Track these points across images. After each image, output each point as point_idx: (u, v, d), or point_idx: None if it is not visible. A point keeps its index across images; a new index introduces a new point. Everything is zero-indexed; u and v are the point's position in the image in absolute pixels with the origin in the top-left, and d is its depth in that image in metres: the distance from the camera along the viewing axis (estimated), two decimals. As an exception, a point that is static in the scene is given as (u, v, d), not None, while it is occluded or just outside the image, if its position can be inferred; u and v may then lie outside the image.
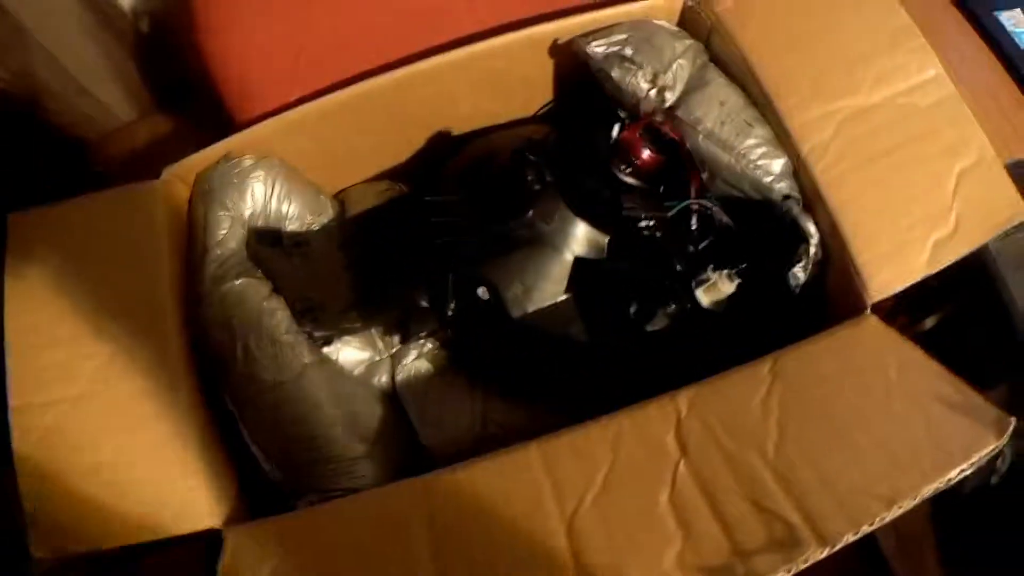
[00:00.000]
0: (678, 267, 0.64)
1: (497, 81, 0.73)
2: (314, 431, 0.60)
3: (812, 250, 0.62)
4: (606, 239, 0.65)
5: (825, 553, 0.47)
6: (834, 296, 0.64)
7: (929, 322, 0.80)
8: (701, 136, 0.64)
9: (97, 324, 0.59)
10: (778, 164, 0.64)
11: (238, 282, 0.65)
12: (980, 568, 0.77)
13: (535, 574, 0.48)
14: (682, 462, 0.52)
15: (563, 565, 0.48)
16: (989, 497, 0.74)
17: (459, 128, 0.76)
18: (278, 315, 0.64)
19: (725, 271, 0.63)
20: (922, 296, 0.72)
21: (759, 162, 0.64)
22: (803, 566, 0.46)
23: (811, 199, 0.64)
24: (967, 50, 0.85)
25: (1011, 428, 0.50)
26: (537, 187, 0.63)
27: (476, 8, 0.75)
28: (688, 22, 0.72)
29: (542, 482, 0.52)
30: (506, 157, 0.66)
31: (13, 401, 0.56)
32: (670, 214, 0.64)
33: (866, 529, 0.47)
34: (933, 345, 0.57)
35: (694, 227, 0.66)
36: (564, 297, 0.64)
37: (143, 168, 0.69)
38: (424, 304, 0.64)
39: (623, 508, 0.50)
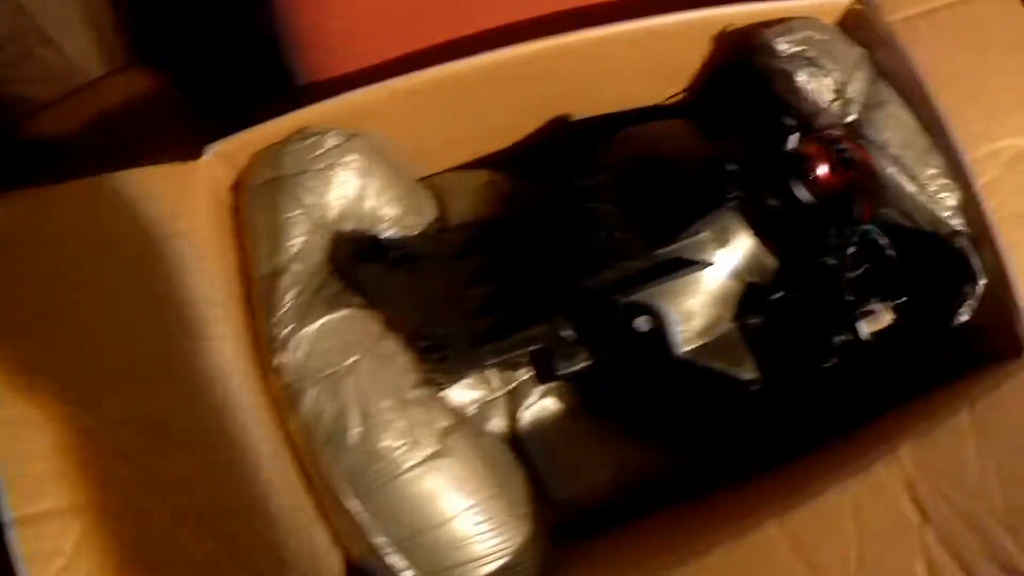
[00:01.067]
0: (849, 298, 0.60)
1: (655, 64, 0.63)
2: (470, 520, 0.49)
3: (979, 290, 0.61)
4: (775, 262, 0.60)
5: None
6: (985, 334, 0.64)
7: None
8: (887, 160, 0.60)
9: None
10: (955, 198, 0.61)
11: (335, 315, 0.51)
12: None
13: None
14: (927, 529, 0.49)
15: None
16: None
17: (590, 112, 0.65)
18: (399, 361, 0.51)
19: (887, 302, 0.60)
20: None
21: (939, 195, 0.61)
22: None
23: (980, 237, 0.62)
24: None
25: None
26: (732, 203, 0.55)
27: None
28: (850, 27, 0.67)
29: (794, 566, 0.46)
30: (687, 161, 0.57)
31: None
32: (853, 240, 0.60)
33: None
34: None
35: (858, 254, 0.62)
36: (730, 327, 0.58)
37: (116, 141, 0.52)
38: (570, 334, 0.55)
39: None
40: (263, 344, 0.50)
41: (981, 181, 0.62)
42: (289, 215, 0.52)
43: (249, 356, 0.49)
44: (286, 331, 0.49)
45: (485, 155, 0.68)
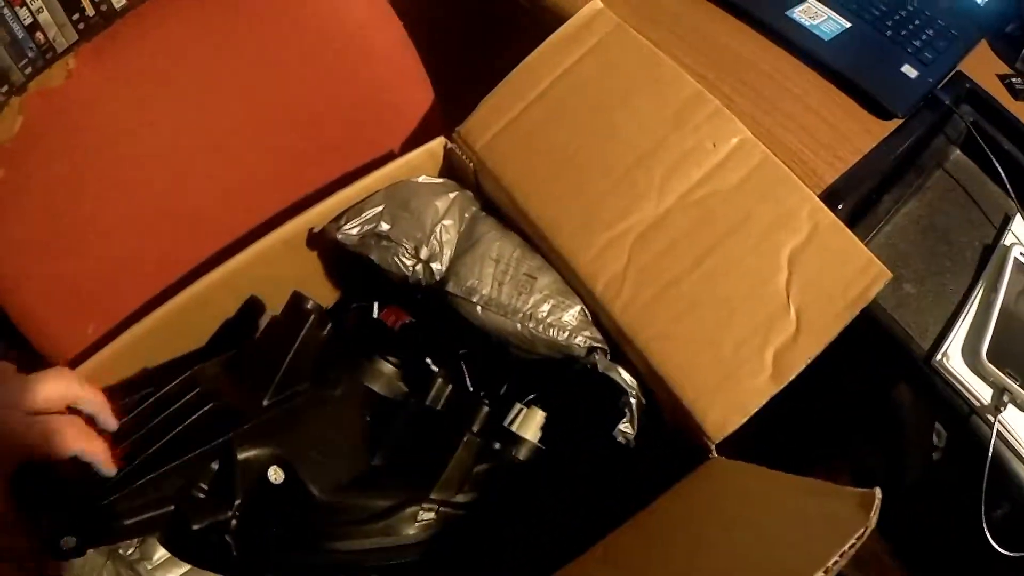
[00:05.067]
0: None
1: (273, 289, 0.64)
2: None
3: (633, 402, 0.53)
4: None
5: None
6: (679, 429, 0.55)
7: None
8: (479, 308, 0.56)
9: None
10: (571, 315, 0.55)
11: None
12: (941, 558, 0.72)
13: None
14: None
15: None
16: (930, 485, 0.70)
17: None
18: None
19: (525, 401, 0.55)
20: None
21: (549, 319, 0.55)
22: None
23: (619, 342, 0.55)
24: (765, 63, 0.76)
25: (876, 502, 0.41)
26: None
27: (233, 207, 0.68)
28: (454, 168, 0.64)
29: None
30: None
31: None
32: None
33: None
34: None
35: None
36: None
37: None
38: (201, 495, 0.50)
39: None
40: None
41: (603, 280, 0.55)
42: None
43: None
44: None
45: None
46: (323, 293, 0.72)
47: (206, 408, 0.52)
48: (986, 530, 0.61)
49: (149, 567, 0.57)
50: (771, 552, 0.42)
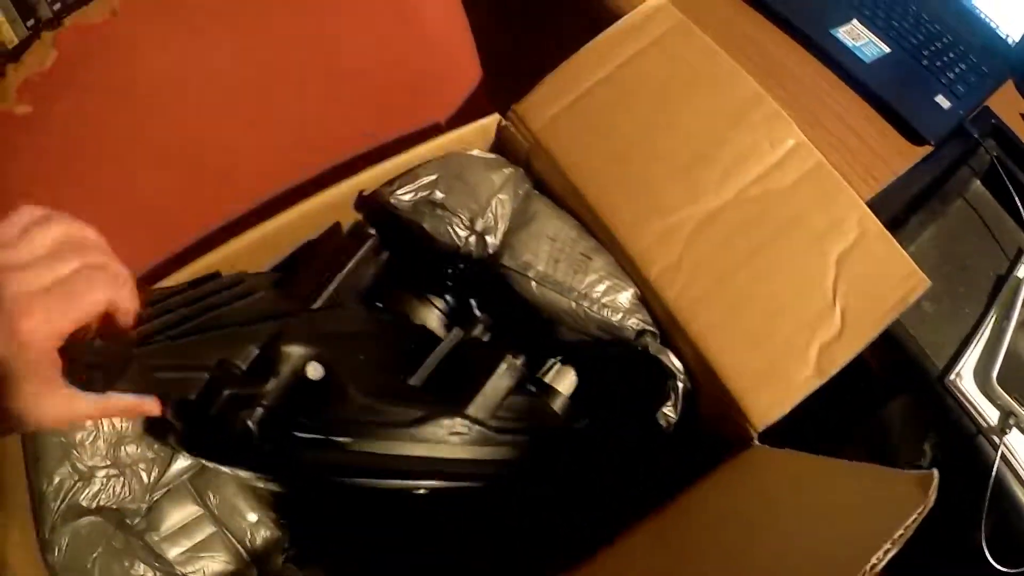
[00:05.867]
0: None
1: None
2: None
3: (680, 386, 0.53)
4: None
5: None
6: (714, 423, 0.55)
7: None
8: (534, 283, 0.56)
9: None
10: (625, 297, 0.56)
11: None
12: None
13: None
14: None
15: None
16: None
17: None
18: None
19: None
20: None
21: (604, 300, 0.55)
22: None
23: (668, 329, 0.55)
24: (807, 77, 0.78)
25: (934, 482, 0.41)
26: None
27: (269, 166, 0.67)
28: (505, 146, 0.64)
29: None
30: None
31: None
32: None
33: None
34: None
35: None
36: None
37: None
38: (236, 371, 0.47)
39: None
40: None
41: (658, 267, 0.56)
42: None
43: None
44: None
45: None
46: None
47: (254, 295, 0.50)
48: (985, 548, 0.63)
49: (156, 538, 0.56)
50: (828, 533, 0.42)
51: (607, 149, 0.59)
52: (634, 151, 0.59)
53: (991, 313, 0.72)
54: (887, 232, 0.56)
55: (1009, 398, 0.65)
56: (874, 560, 0.36)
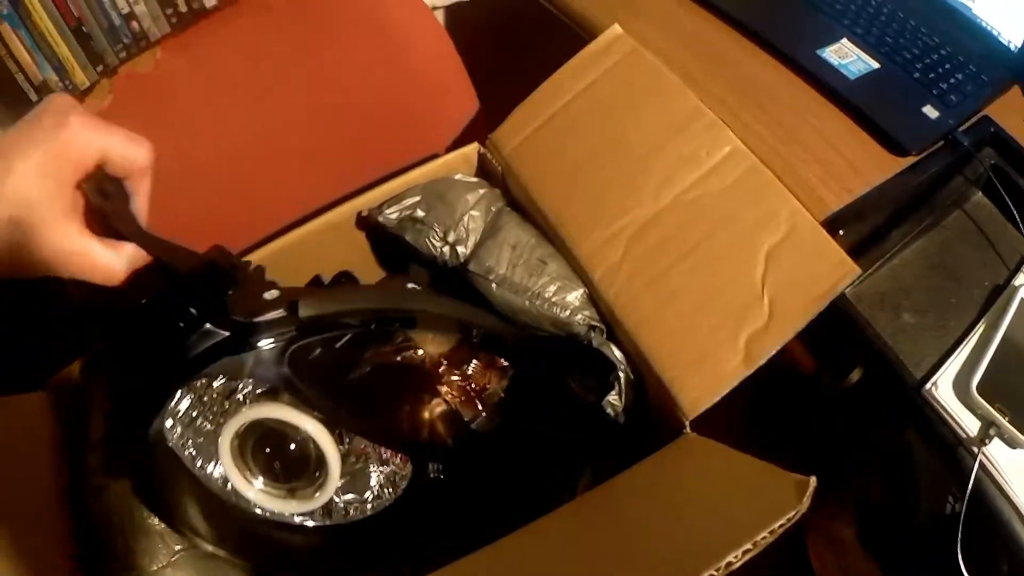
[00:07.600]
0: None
1: (317, 268, 0.74)
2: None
3: (622, 376, 0.59)
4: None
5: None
6: (659, 412, 0.60)
7: (855, 375, 0.72)
8: (494, 285, 0.63)
9: None
10: (574, 296, 0.62)
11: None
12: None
13: None
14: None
15: None
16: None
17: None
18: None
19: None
20: (844, 351, 0.70)
21: (554, 299, 0.62)
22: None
23: (612, 325, 0.61)
24: (787, 95, 0.81)
25: (811, 489, 0.43)
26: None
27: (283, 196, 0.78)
28: (486, 169, 0.73)
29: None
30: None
31: None
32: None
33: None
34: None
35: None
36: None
37: None
38: None
39: None
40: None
41: (601, 270, 0.62)
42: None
43: None
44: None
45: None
46: (365, 272, 0.80)
47: None
48: (960, 561, 0.61)
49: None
50: (711, 523, 0.46)
51: (562, 168, 0.66)
52: (585, 168, 0.66)
53: (980, 323, 0.70)
54: (818, 225, 0.58)
55: (990, 408, 0.63)
56: (730, 558, 0.38)
